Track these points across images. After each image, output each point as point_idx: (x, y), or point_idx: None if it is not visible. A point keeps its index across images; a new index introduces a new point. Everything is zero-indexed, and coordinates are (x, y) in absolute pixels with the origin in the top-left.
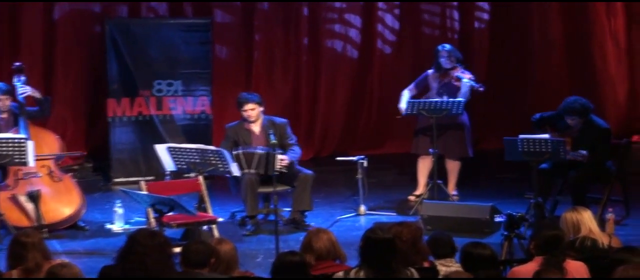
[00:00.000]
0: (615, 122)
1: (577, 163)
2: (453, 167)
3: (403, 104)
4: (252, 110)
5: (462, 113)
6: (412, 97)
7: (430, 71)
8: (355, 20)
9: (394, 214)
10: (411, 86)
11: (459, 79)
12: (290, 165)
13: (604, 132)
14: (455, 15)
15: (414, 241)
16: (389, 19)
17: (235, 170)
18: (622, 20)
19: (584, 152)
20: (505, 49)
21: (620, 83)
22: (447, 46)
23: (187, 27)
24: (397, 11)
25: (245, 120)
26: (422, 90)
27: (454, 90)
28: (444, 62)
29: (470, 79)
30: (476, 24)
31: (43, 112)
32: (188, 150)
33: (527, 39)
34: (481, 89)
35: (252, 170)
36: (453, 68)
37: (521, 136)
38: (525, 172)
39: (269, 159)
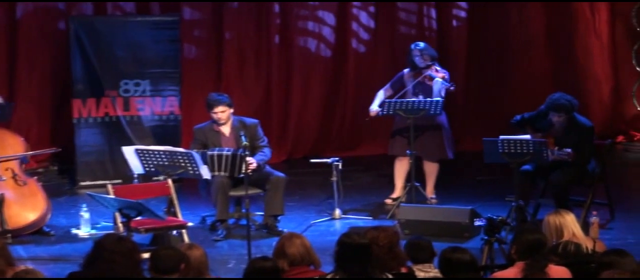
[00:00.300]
0: (600, 122)
1: (559, 164)
2: (431, 169)
3: (375, 106)
4: (222, 113)
5: (441, 113)
6: (388, 97)
7: (405, 70)
8: (329, 18)
9: (370, 218)
10: (387, 86)
11: (431, 78)
12: (260, 168)
13: (588, 131)
14: (433, 13)
15: (390, 246)
16: (363, 17)
17: (205, 172)
18: (606, 16)
19: (569, 150)
20: (485, 48)
21: (604, 81)
22: (421, 44)
23: (155, 24)
24: (372, 9)
25: (215, 122)
26: (398, 91)
27: (428, 90)
28: (418, 60)
29: (443, 78)
30: (454, 23)
31: (2, 117)
32: (156, 152)
33: (507, 36)
34: (452, 88)
35: (223, 173)
36: (427, 67)
37: (501, 137)
38: (506, 174)
39: (235, 160)
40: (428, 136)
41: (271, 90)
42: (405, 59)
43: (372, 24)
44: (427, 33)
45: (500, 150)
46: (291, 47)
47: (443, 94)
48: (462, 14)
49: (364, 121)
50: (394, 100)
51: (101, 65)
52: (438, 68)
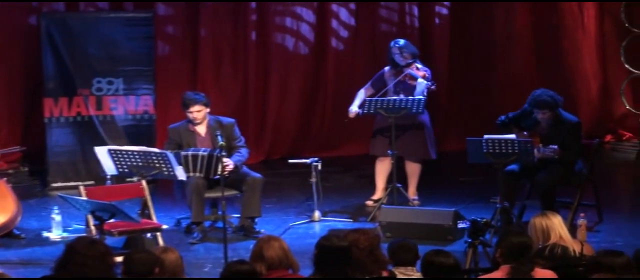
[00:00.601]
0: (588, 121)
1: (546, 165)
2: (413, 170)
3: (354, 107)
4: (198, 113)
5: (423, 112)
6: (369, 96)
7: (386, 68)
8: (308, 14)
9: (350, 220)
10: (367, 85)
11: (413, 78)
12: (237, 169)
13: (575, 126)
14: (415, 10)
15: (371, 249)
16: (343, 14)
17: (180, 174)
18: (594, 11)
19: (555, 146)
20: (468, 45)
21: (593, 79)
22: (401, 42)
23: (128, 21)
24: (352, 6)
25: (191, 122)
26: (379, 89)
27: (410, 89)
28: (398, 58)
29: (424, 76)
30: (436, 20)
31: None
32: (130, 153)
33: (491, 33)
34: (433, 86)
35: (198, 174)
36: (408, 64)
37: (486, 136)
38: (491, 175)
39: (211, 161)
40: (410, 136)
41: (248, 89)
42: (386, 57)
43: (352, 21)
44: (409, 31)
45: (485, 150)
46: (269, 44)
47: (425, 93)
48: (444, 11)
49: (343, 122)
50: (374, 99)
51: (73, 63)
52: (419, 66)
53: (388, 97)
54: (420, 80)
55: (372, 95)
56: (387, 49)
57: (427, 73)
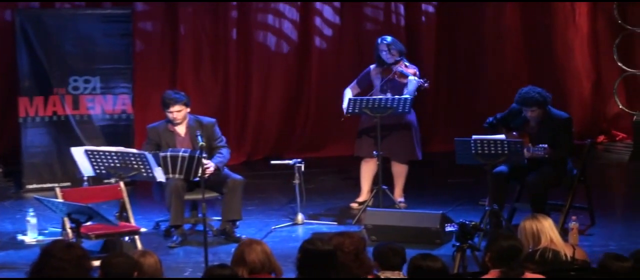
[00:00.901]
0: (580, 121)
1: (536, 166)
2: (400, 171)
3: (346, 104)
4: (179, 112)
5: (410, 112)
6: (355, 95)
7: (372, 66)
8: (290, 12)
9: (335, 223)
10: (353, 84)
11: (403, 75)
12: (217, 171)
13: (565, 122)
14: (401, 9)
15: (356, 253)
16: (328, 12)
17: (159, 175)
18: (587, 8)
19: (545, 145)
20: (456, 43)
21: (585, 78)
22: (388, 38)
23: (105, 18)
24: (337, 4)
25: (170, 122)
26: (366, 88)
27: (398, 87)
28: (385, 56)
29: (415, 74)
30: (423, 19)
31: None
32: (107, 153)
33: (479, 30)
34: (426, 84)
35: (178, 175)
36: (396, 62)
37: (474, 137)
38: (480, 177)
39: (191, 163)
40: (396, 136)
41: (229, 88)
42: (373, 55)
43: (337, 19)
44: (395, 30)
45: (473, 151)
46: (250, 42)
47: (415, 92)
48: (431, 9)
49: (330, 120)
50: (359, 98)
51: (49, 61)
52: (407, 63)
53: (374, 96)
54: (411, 77)
55: (358, 94)
56: (374, 46)
57: (416, 71)
